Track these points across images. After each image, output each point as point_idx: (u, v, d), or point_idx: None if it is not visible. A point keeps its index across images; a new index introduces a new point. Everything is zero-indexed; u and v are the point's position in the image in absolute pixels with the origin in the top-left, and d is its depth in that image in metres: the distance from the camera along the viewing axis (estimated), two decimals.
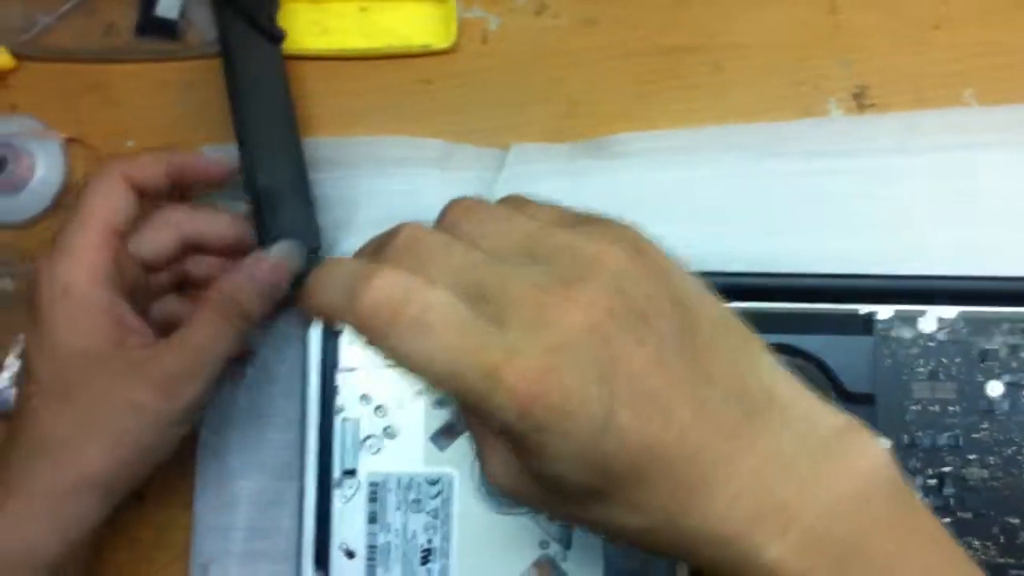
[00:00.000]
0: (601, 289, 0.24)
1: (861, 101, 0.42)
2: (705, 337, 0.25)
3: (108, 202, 0.36)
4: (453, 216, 0.27)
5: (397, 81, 0.43)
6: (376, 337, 0.24)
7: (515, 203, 0.28)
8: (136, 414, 0.34)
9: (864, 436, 0.25)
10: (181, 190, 0.39)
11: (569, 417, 0.23)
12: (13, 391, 0.42)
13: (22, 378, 0.36)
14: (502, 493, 0.27)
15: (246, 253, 0.38)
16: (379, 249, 0.26)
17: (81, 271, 0.35)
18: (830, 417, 0.25)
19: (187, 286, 0.40)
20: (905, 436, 0.37)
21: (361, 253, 0.28)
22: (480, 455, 0.26)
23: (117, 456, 0.34)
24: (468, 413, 0.27)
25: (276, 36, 0.41)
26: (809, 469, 0.24)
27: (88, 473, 0.34)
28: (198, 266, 0.40)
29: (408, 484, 0.39)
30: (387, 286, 0.23)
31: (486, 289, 0.24)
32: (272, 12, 0.41)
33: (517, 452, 0.25)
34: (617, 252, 0.24)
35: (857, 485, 0.24)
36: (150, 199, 0.38)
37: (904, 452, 0.37)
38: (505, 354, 0.23)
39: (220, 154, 0.40)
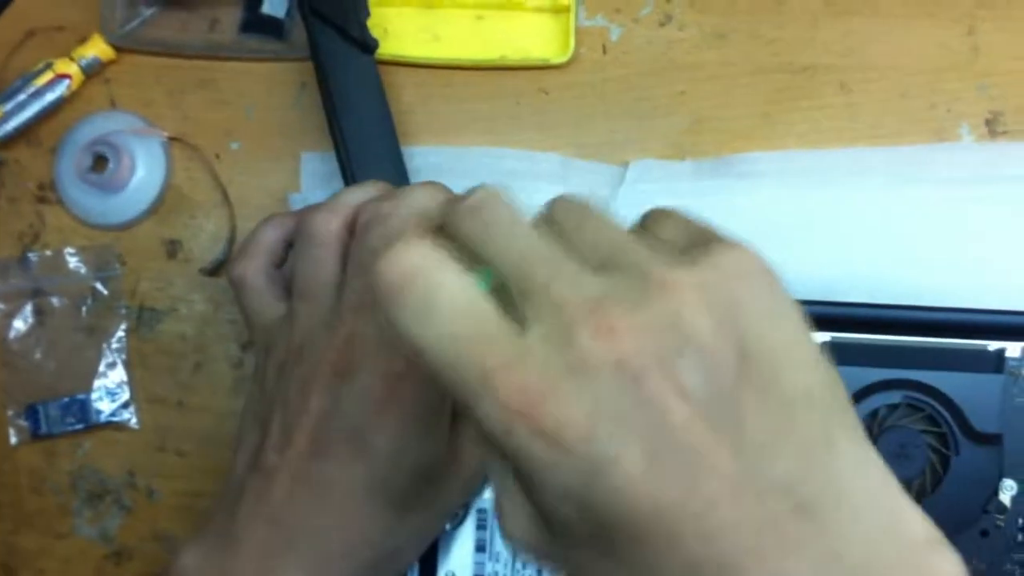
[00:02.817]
0: (651, 322, 0.22)
1: (993, 128, 0.44)
2: (781, 405, 0.23)
3: None
4: (551, 206, 0.27)
5: (513, 90, 0.45)
6: (382, 304, 0.24)
7: (647, 215, 0.28)
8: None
9: (945, 555, 0.23)
10: None
11: (560, 451, 0.22)
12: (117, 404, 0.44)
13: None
14: (517, 547, 0.26)
15: None
16: (453, 201, 0.26)
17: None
18: (910, 527, 0.23)
19: None
20: None
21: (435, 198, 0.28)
22: (497, 499, 0.26)
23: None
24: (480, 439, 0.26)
25: (369, 46, 0.42)
26: None
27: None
28: None
29: None
30: (405, 255, 0.24)
31: (529, 284, 0.24)
32: (362, 21, 0.43)
33: (517, 477, 0.24)
34: (691, 284, 0.23)
35: None
36: None
37: None
38: (510, 359, 0.22)
39: None
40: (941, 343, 0.40)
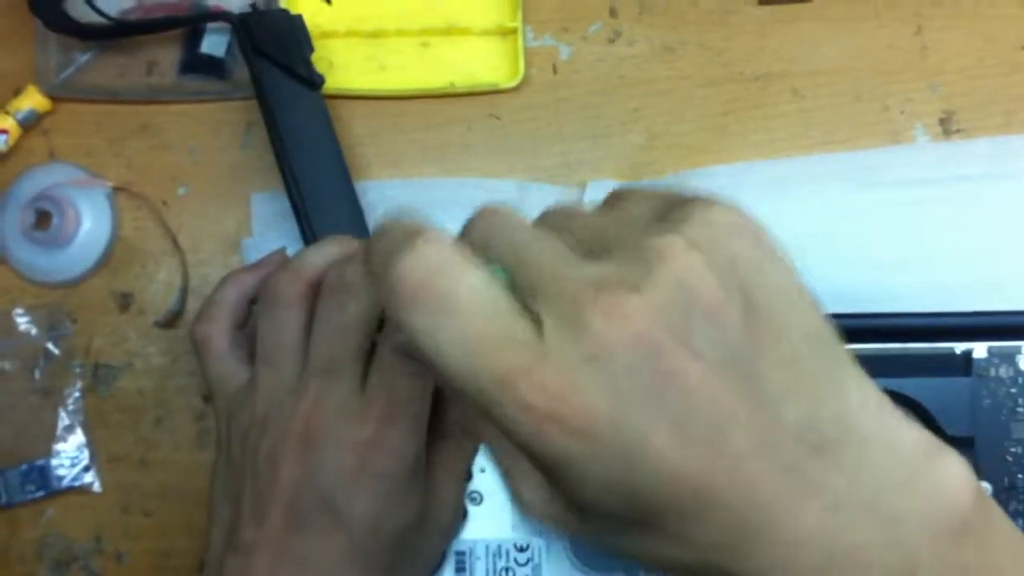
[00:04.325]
0: (657, 293, 0.23)
1: (947, 127, 0.44)
2: (785, 352, 0.23)
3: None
4: (541, 216, 0.28)
5: (464, 116, 0.45)
6: (398, 309, 0.23)
7: (613, 195, 0.28)
8: None
9: (949, 460, 0.24)
10: None
11: (593, 442, 0.22)
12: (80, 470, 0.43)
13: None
14: (535, 520, 0.26)
15: None
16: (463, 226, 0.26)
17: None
18: (912, 442, 0.24)
19: None
20: (1005, 478, 0.40)
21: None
22: (506, 476, 0.26)
23: None
24: (487, 427, 0.26)
25: (315, 82, 0.42)
26: (891, 506, 0.23)
27: None
28: None
29: (496, 552, 0.41)
30: (426, 253, 0.23)
31: (539, 280, 0.24)
32: (307, 57, 0.43)
33: (543, 473, 0.24)
34: (685, 246, 0.23)
35: (946, 518, 0.23)
36: None
37: (1005, 494, 0.40)
38: (529, 359, 0.22)
39: None
40: (908, 349, 0.41)
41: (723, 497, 0.22)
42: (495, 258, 0.25)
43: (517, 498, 0.26)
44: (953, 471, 0.24)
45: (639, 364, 0.22)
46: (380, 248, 0.25)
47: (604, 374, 0.22)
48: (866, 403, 0.24)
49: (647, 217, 0.26)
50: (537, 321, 0.23)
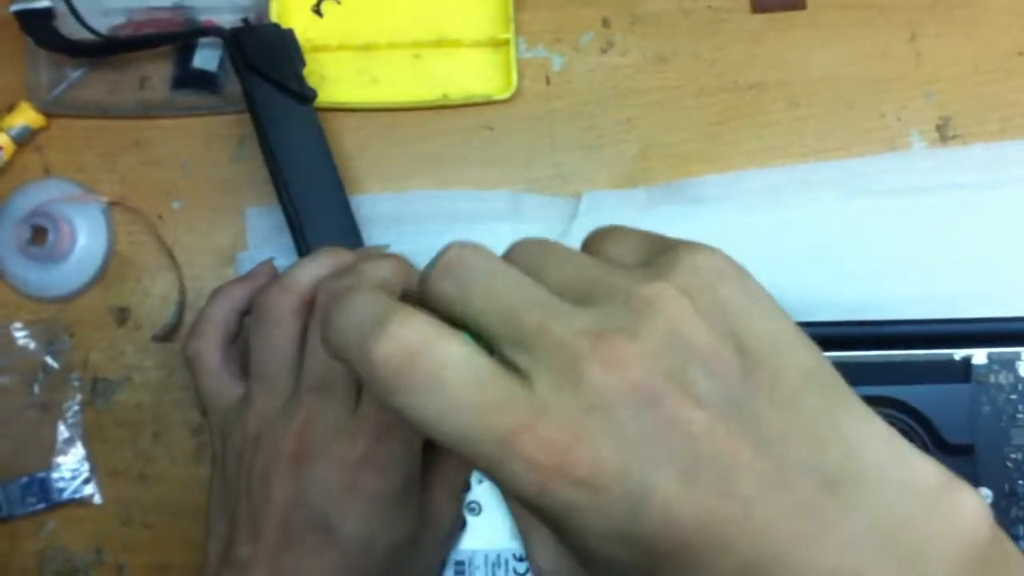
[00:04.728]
0: (652, 341, 0.22)
1: (944, 133, 0.44)
2: (786, 392, 0.23)
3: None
4: (510, 254, 0.27)
5: (457, 128, 0.45)
6: (386, 393, 0.23)
7: (594, 236, 0.28)
8: None
9: (965, 494, 0.23)
10: None
11: (600, 493, 0.22)
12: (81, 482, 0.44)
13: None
14: None
15: None
16: (425, 272, 0.25)
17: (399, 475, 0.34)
18: (925, 475, 0.23)
19: None
20: (1006, 484, 0.40)
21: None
22: (523, 540, 0.26)
23: None
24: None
25: (307, 96, 0.42)
26: (909, 543, 0.22)
27: None
28: None
29: (496, 561, 0.41)
30: (402, 335, 0.23)
31: (522, 332, 0.23)
32: (299, 72, 0.43)
33: (550, 527, 0.24)
34: (675, 293, 0.23)
35: (965, 554, 0.23)
36: None
37: (1005, 501, 0.40)
38: (527, 417, 0.22)
39: None
40: (907, 356, 0.41)
41: (734, 542, 0.22)
42: (473, 311, 0.24)
43: (531, 560, 0.26)
44: (970, 505, 0.23)
45: (641, 413, 0.22)
46: (344, 326, 0.24)
47: (606, 424, 0.22)
48: (873, 436, 0.24)
49: (632, 262, 0.26)
50: (524, 375, 0.23)
